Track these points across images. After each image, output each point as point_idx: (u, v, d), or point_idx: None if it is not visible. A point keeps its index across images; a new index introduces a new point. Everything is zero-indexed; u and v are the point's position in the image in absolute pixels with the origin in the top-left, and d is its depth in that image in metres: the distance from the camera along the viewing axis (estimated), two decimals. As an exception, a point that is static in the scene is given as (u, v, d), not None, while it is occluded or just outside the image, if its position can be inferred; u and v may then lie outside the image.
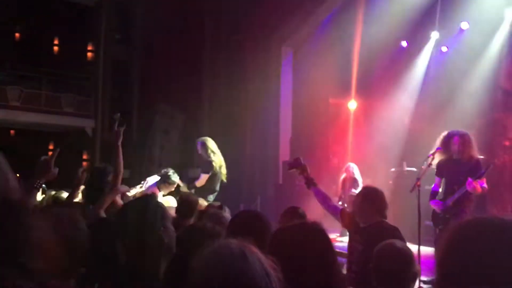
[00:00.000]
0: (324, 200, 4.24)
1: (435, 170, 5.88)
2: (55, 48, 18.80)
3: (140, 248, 2.09)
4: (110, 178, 3.83)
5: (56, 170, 2.96)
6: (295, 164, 4.33)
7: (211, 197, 7.60)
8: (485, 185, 5.43)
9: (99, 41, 18.15)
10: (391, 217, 9.19)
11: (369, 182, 10.76)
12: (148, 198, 2.27)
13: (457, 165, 5.64)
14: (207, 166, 7.61)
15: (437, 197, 5.88)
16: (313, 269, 1.75)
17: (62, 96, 17.48)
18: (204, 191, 7.45)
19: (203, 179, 7.57)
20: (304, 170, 4.27)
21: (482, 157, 6.64)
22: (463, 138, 5.65)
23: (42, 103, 17.15)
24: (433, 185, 6.01)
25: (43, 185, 2.99)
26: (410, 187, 5.76)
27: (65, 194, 5.04)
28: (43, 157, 2.98)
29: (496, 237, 1.26)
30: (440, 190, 5.94)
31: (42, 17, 16.87)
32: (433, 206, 5.80)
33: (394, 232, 3.61)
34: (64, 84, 17.66)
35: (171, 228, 2.23)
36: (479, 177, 5.37)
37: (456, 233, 1.33)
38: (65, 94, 17.53)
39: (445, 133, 5.86)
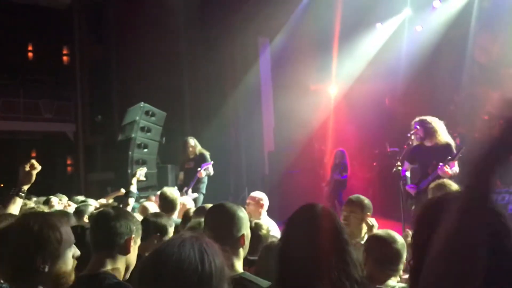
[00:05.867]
0: None
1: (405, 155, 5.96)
2: (30, 54, 18.52)
3: None
4: None
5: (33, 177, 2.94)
6: None
7: (203, 187, 8.05)
8: (456, 168, 5.50)
9: (73, 44, 17.94)
10: (377, 197, 9.29)
11: (355, 165, 10.91)
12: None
13: (428, 151, 5.77)
14: (203, 158, 7.99)
15: (410, 182, 5.98)
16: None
17: (40, 102, 17.30)
18: (199, 183, 7.94)
19: (210, 167, 7.89)
20: None
21: (460, 133, 6.71)
22: (423, 127, 5.74)
23: (21, 111, 16.96)
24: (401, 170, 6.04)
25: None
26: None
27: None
28: (24, 165, 2.94)
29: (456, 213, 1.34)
30: (408, 174, 6.03)
31: (14, 24, 16.60)
32: (409, 190, 5.91)
33: None
34: (42, 90, 17.45)
35: None
36: (450, 160, 5.46)
37: (424, 208, 1.49)
38: (43, 100, 17.34)
39: (414, 121, 5.92)
